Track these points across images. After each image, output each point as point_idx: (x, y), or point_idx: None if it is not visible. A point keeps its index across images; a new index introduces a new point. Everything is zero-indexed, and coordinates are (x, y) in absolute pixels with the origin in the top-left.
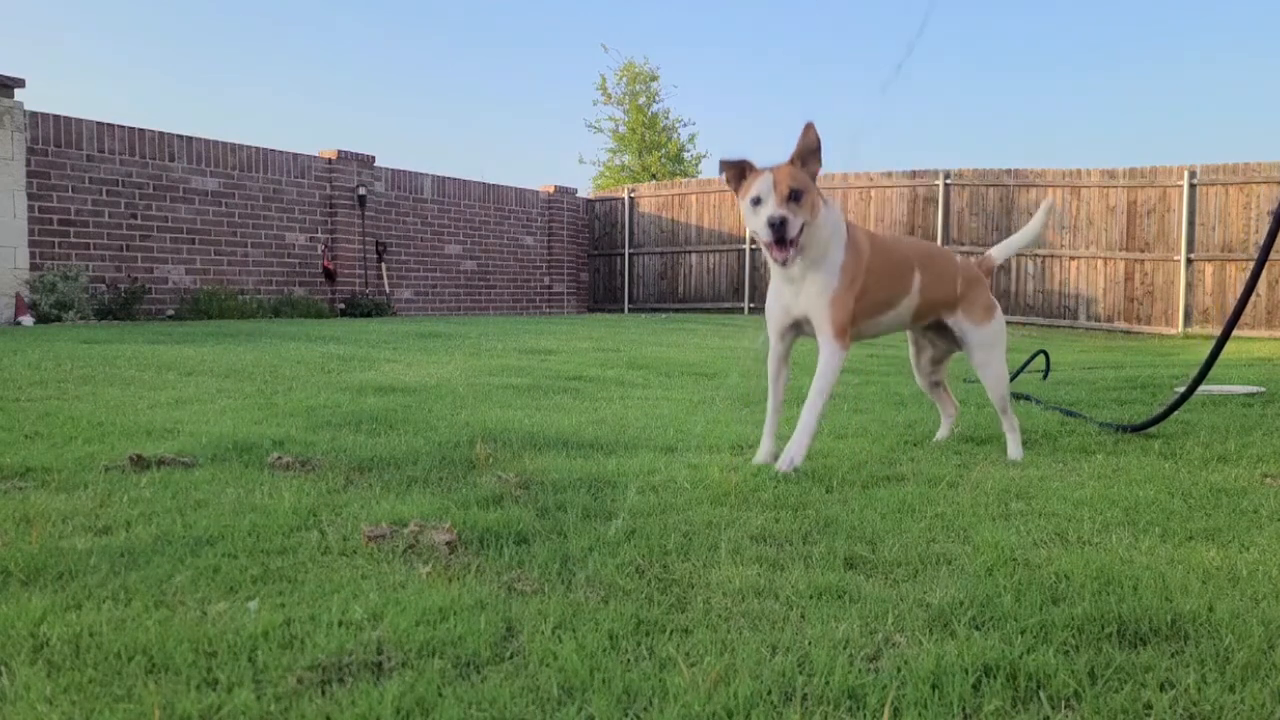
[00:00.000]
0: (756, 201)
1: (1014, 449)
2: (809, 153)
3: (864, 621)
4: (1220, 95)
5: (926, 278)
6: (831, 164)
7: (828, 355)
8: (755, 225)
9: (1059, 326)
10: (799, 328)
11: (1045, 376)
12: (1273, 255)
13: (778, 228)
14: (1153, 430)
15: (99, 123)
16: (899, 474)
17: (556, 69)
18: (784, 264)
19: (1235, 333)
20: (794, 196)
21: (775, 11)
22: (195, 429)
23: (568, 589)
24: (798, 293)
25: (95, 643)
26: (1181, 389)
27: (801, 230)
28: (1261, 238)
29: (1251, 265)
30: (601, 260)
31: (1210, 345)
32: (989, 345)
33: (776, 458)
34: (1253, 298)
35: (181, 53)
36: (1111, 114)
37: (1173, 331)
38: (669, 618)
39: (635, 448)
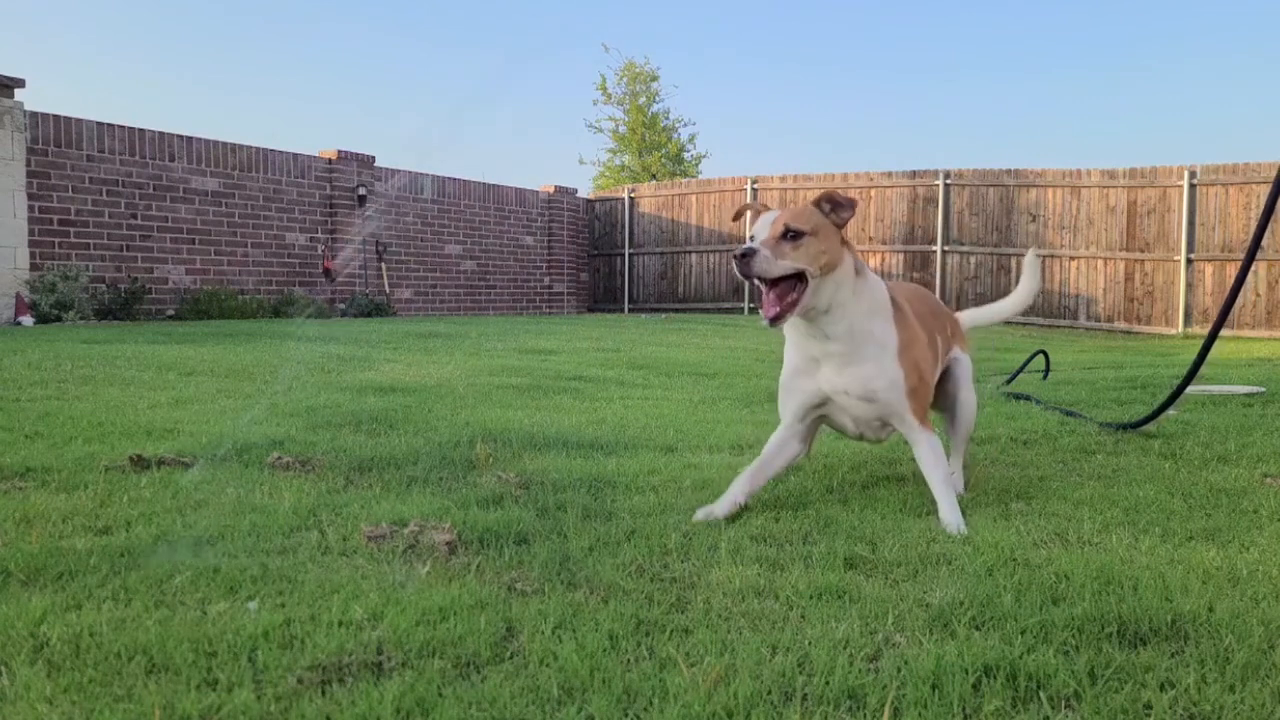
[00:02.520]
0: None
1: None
2: (838, 204)
3: (864, 621)
4: (1220, 95)
5: (941, 332)
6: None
7: (929, 441)
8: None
9: (1059, 326)
10: (825, 412)
11: (1045, 376)
12: (1274, 255)
13: (741, 259)
14: (1153, 430)
15: (99, 123)
16: (899, 474)
17: (556, 69)
18: (770, 322)
19: (1235, 333)
20: (790, 235)
21: (776, 12)
22: (195, 429)
23: (568, 589)
24: (842, 375)
25: (95, 643)
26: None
27: (802, 286)
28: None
29: (1252, 265)
30: (601, 260)
31: (1213, 345)
32: (970, 375)
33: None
34: (1253, 298)
35: (181, 53)
36: (1111, 114)
37: (1173, 332)
38: (669, 618)
39: (635, 448)
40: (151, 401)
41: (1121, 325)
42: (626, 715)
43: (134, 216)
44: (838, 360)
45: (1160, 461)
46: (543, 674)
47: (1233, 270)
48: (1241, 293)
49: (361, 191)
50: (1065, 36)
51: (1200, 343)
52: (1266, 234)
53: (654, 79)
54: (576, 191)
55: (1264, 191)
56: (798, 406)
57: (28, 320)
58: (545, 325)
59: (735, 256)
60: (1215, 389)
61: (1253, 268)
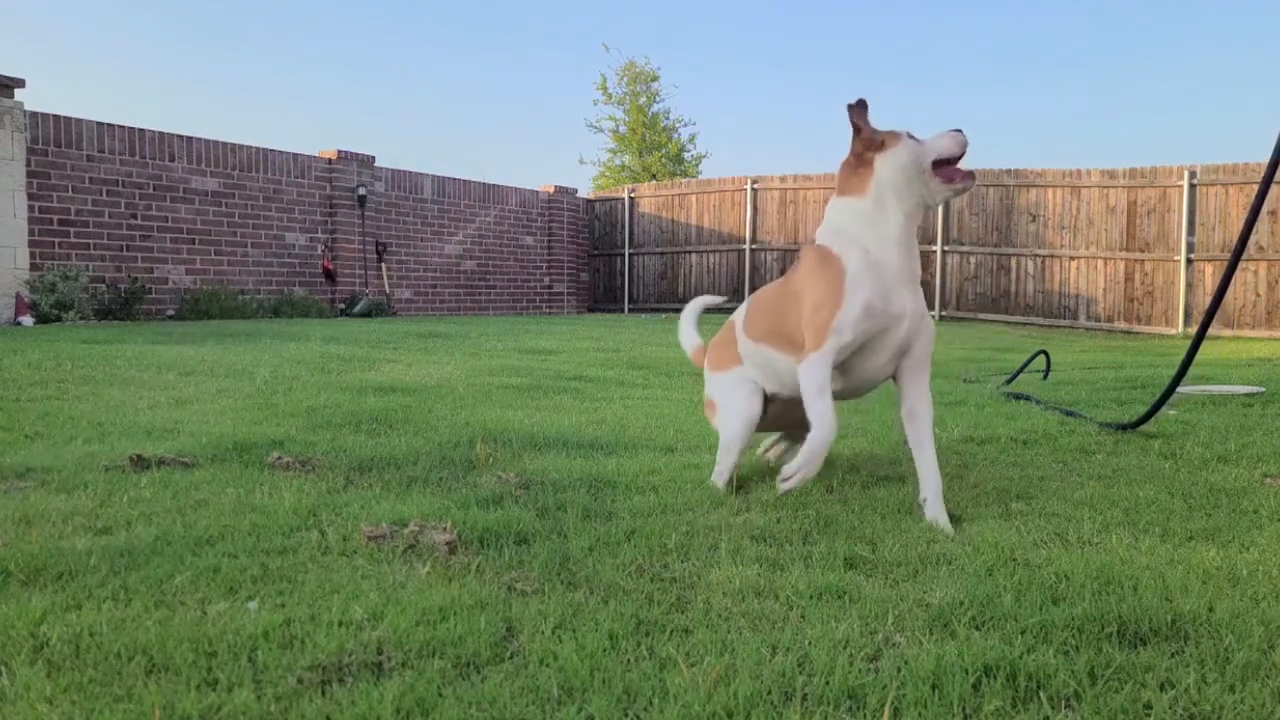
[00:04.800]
0: (912, 135)
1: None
2: None
3: (864, 621)
4: (1220, 95)
5: None
6: None
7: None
8: (939, 144)
9: (1059, 326)
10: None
11: (1045, 377)
12: (1274, 255)
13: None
14: (1153, 430)
15: (99, 123)
16: (899, 474)
17: (556, 69)
18: (971, 182)
19: (1235, 333)
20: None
21: (776, 12)
22: (195, 429)
23: (568, 589)
24: (910, 295)
25: (95, 643)
26: (1182, 388)
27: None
28: (1262, 237)
29: (1251, 265)
30: (601, 260)
31: (1213, 344)
32: None
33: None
34: (1253, 298)
35: (181, 53)
36: (1111, 114)
37: (1173, 332)
38: (669, 618)
39: (635, 448)
40: (151, 401)
41: (1121, 325)
42: (626, 715)
43: (134, 216)
44: (911, 276)
45: (1160, 461)
46: (543, 674)
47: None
48: (1242, 293)
49: (361, 191)
50: (1065, 36)
51: (1203, 344)
52: (1267, 234)
53: (654, 79)
54: (576, 191)
55: None
56: (863, 335)
57: (28, 320)
58: (545, 325)
59: (960, 130)
60: (1215, 389)
61: (1253, 268)
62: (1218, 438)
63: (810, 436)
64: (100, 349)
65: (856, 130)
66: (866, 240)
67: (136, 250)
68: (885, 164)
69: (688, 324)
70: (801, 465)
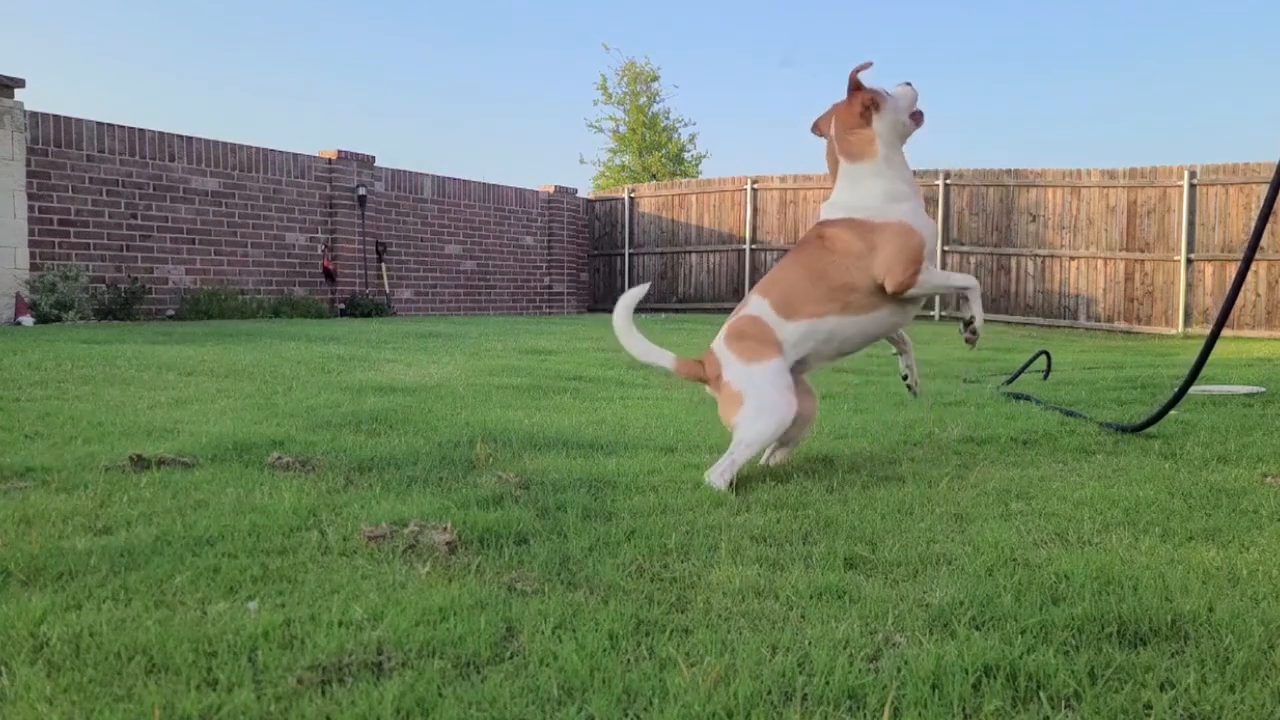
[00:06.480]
0: (886, 92)
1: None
2: None
3: (864, 621)
4: (1220, 95)
5: None
6: None
7: None
8: (909, 96)
9: (1059, 326)
10: None
11: (1046, 377)
12: (1274, 255)
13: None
14: (1153, 430)
15: (99, 123)
16: (899, 474)
17: (556, 69)
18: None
19: (1235, 333)
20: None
21: (777, 12)
22: (195, 429)
23: (568, 589)
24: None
25: (95, 643)
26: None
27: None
28: (1262, 238)
29: (1252, 265)
30: (601, 260)
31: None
32: None
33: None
34: (1253, 298)
35: (181, 53)
36: (1111, 114)
37: (1173, 332)
38: (669, 618)
39: (635, 448)
40: (151, 401)
41: (1121, 325)
42: (626, 715)
43: (134, 216)
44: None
45: (1160, 461)
46: (543, 674)
47: (1233, 270)
48: (1242, 293)
49: (361, 191)
50: (1065, 36)
51: (1200, 343)
52: (1267, 234)
53: (654, 79)
54: (576, 191)
55: (1264, 192)
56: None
57: (28, 320)
58: (545, 325)
59: (909, 83)
60: (1215, 389)
61: (1253, 268)
62: (1218, 438)
63: (970, 297)
64: (100, 349)
65: (857, 87)
66: (895, 194)
67: (136, 250)
68: (883, 121)
69: (640, 340)
70: (976, 317)
